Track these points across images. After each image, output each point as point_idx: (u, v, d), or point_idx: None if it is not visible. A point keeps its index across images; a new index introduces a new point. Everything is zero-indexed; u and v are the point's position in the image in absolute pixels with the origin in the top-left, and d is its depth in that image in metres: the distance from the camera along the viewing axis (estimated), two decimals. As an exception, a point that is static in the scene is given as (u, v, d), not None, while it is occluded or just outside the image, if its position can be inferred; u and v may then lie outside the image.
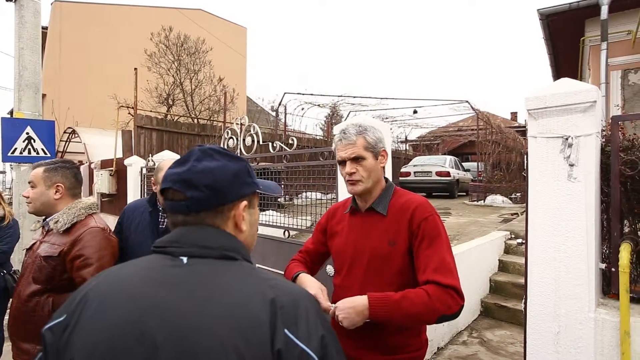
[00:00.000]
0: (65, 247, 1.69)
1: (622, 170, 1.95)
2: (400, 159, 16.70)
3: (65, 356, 0.68)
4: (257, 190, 0.88)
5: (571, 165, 1.94)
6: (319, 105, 14.98)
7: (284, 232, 3.39)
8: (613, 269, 1.92)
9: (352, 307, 1.28)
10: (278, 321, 0.66)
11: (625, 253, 1.83)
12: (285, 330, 0.65)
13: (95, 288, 0.73)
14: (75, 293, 0.76)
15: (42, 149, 4.43)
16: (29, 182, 1.81)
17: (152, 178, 2.27)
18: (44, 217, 1.84)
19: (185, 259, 0.74)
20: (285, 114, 14.05)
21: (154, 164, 5.60)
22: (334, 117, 16.46)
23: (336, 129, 3.02)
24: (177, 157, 5.89)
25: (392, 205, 1.48)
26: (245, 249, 0.81)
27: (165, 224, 2.10)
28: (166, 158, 2.24)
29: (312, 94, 14.12)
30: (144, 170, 6.20)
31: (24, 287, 1.71)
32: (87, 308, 0.70)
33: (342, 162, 1.49)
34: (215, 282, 0.70)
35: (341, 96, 14.68)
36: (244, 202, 0.83)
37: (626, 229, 2.08)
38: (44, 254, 1.70)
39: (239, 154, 4.01)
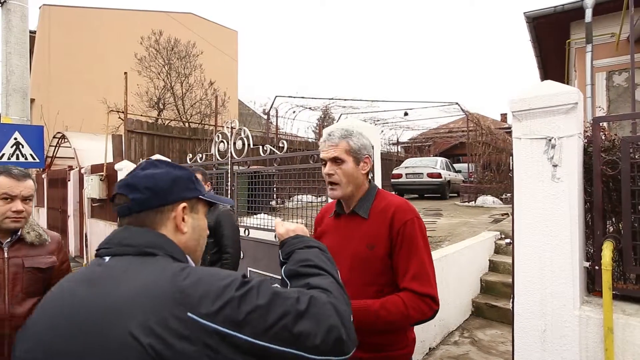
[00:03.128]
0: (53, 256, 1.77)
1: (604, 170, 2.00)
2: (391, 160, 16.79)
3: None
4: (201, 197, 0.92)
5: (555, 165, 1.98)
6: (310, 108, 15.03)
7: (276, 236, 3.40)
8: (597, 267, 1.97)
9: None
10: (178, 306, 0.67)
11: (607, 251, 1.87)
12: (189, 314, 0.67)
13: (51, 292, 0.80)
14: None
15: (31, 155, 4.38)
16: (28, 197, 1.68)
17: None
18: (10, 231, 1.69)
19: (107, 259, 0.79)
20: (277, 117, 14.07)
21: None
22: (325, 120, 16.49)
23: (325, 132, 3.04)
24: (168, 160, 5.88)
25: (373, 209, 1.50)
26: (171, 246, 0.83)
27: None
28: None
29: (303, 97, 14.18)
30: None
31: (15, 307, 1.62)
32: (38, 311, 0.77)
33: (324, 163, 1.52)
34: (124, 275, 0.73)
35: (332, 99, 14.74)
36: (184, 204, 0.87)
37: (611, 228, 2.14)
38: (36, 265, 1.69)
39: (230, 158, 4.02)
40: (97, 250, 0.83)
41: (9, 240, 1.67)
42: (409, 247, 1.40)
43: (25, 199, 1.67)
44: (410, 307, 1.34)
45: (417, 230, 1.44)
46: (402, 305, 1.34)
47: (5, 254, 1.65)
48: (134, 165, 6.61)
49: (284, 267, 0.99)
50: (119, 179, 6.58)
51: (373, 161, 1.57)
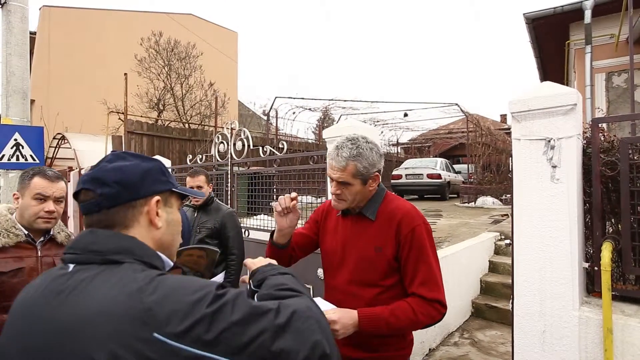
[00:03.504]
0: None
1: (603, 171, 2.00)
2: (391, 161, 16.79)
3: None
4: (174, 190, 0.88)
5: (554, 166, 1.99)
6: (310, 109, 15.03)
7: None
8: (596, 268, 1.97)
9: (344, 323, 1.33)
10: (142, 327, 0.61)
11: (606, 252, 1.87)
12: (155, 334, 0.61)
13: (17, 299, 0.78)
14: None
15: (31, 156, 4.39)
16: (60, 198, 1.70)
17: None
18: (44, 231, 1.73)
19: (71, 267, 0.73)
20: (277, 118, 14.08)
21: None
22: (325, 121, 16.50)
23: (327, 132, 3.04)
24: (168, 161, 5.90)
25: (381, 211, 1.50)
26: (141, 248, 0.78)
27: None
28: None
29: (303, 98, 14.18)
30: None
31: None
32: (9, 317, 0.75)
33: (331, 178, 1.49)
34: (88, 289, 0.68)
35: (332, 100, 14.74)
36: (157, 198, 0.82)
37: (610, 229, 2.14)
38: None
39: (229, 159, 4.03)
40: (64, 253, 0.78)
41: (42, 239, 1.71)
42: (418, 253, 1.42)
43: (58, 200, 1.69)
44: (419, 312, 1.37)
45: (425, 236, 1.45)
46: (411, 312, 1.37)
47: (39, 252, 1.69)
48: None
49: (255, 294, 0.92)
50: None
51: (382, 174, 1.54)
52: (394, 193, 1.64)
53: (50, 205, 1.66)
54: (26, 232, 1.66)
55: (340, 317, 1.35)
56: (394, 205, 1.51)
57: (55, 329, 0.65)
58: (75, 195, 0.81)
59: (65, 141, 10.94)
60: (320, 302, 1.37)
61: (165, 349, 0.61)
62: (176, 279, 0.70)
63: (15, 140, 4.27)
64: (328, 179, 3.05)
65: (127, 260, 0.74)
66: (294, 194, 1.51)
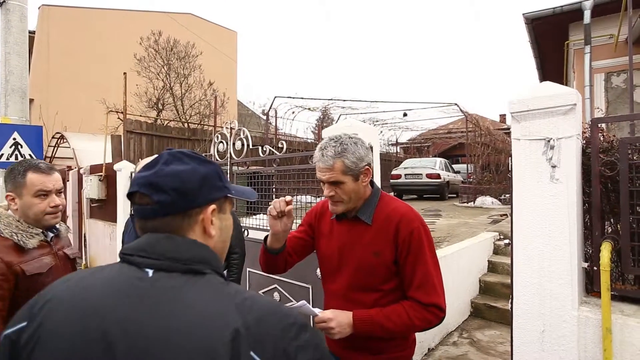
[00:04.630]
0: (72, 245, 1.84)
1: (602, 171, 2.00)
2: (391, 161, 16.80)
3: None
4: (229, 195, 0.85)
5: (553, 166, 1.99)
6: (309, 108, 15.03)
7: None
8: (595, 268, 1.97)
9: (340, 321, 1.35)
10: (243, 344, 0.63)
11: (605, 252, 1.88)
12: (251, 353, 0.62)
13: (58, 296, 0.72)
14: (35, 299, 0.75)
15: (30, 155, 4.38)
16: (60, 189, 1.65)
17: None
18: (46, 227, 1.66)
19: (150, 272, 0.71)
20: (276, 117, 14.07)
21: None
22: (324, 121, 16.50)
23: (327, 132, 3.04)
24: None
25: (377, 214, 1.47)
26: (216, 259, 0.78)
27: None
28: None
29: (302, 98, 14.17)
30: (134, 175, 6.12)
31: None
32: (49, 317, 0.69)
33: (321, 181, 1.46)
34: (179, 298, 0.67)
35: (331, 99, 14.73)
36: (213, 206, 0.80)
37: (610, 229, 2.14)
38: (73, 255, 1.77)
39: (229, 158, 4.02)
40: (128, 254, 0.74)
41: (51, 235, 1.67)
42: (415, 256, 1.40)
43: (59, 192, 1.63)
44: (415, 317, 1.36)
45: (424, 238, 1.42)
46: (406, 317, 1.36)
47: (53, 248, 1.65)
48: (133, 166, 6.53)
49: None
50: (118, 179, 6.59)
51: (373, 168, 1.50)
52: (391, 194, 1.63)
53: (54, 200, 1.60)
54: (41, 230, 1.60)
55: (336, 315, 1.36)
56: (391, 207, 1.48)
57: (148, 335, 0.63)
58: (129, 197, 0.79)
59: (64, 140, 10.93)
60: (309, 307, 1.37)
61: None
62: (264, 299, 0.73)
63: (14, 139, 4.26)
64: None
65: (207, 271, 0.73)
66: (289, 198, 1.47)
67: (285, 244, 1.58)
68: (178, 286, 0.69)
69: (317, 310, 1.40)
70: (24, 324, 0.71)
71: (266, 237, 1.58)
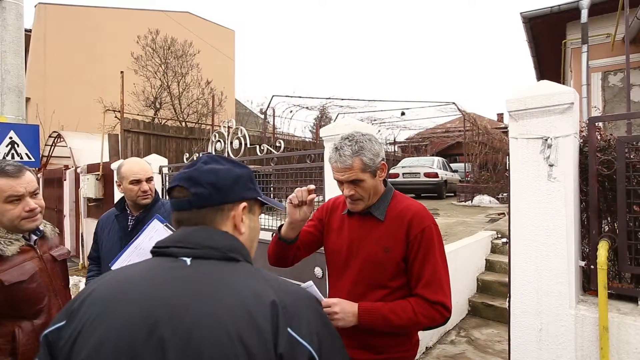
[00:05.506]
0: (63, 246, 1.77)
1: (600, 169, 2.01)
2: (388, 160, 16.80)
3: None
4: (259, 198, 0.91)
5: (551, 165, 1.99)
6: (307, 107, 15.02)
7: (272, 235, 3.40)
8: (592, 266, 1.98)
9: (343, 308, 1.35)
10: (281, 320, 0.69)
11: (602, 250, 1.88)
12: (289, 329, 0.68)
13: (96, 292, 0.75)
14: (72, 299, 0.77)
15: (27, 154, 4.36)
16: (34, 191, 1.55)
17: (116, 180, 2.28)
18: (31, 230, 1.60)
19: (188, 260, 0.76)
20: (274, 116, 14.06)
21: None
22: (322, 120, 16.49)
23: (325, 131, 3.04)
24: (165, 160, 5.86)
25: (389, 211, 1.47)
26: (246, 251, 0.84)
27: (132, 225, 2.13)
28: (132, 161, 2.24)
29: (300, 97, 14.16)
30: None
31: (63, 301, 1.62)
32: (89, 312, 0.71)
33: (340, 181, 1.45)
34: (220, 281, 0.73)
35: (329, 98, 14.74)
36: (244, 204, 0.86)
37: (607, 228, 2.15)
38: (62, 257, 1.71)
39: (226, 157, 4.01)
40: (162, 247, 0.79)
41: (35, 238, 1.61)
42: (425, 254, 1.40)
43: (33, 194, 1.54)
44: (420, 313, 1.35)
45: (435, 237, 1.43)
46: (411, 312, 1.35)
47: (38, 251, 1.59)
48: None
49: None
50: (115, 178, 6.57)
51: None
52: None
53: (29, 203, 1.49)
54: (21, 235, 1.53)
55: (341, 302, 1.36)
56: (404, 205, 1.48)
57: (194, 316, 0.67)
58: (169, 191, 0.86)
59: (61, 139, 10.88)
60: (316, 290, 1.35)
61: (293, 344, 0.68)
62: (293, 284, 0.81)
63: (11, 138, 4.24)
64: (325, 175, 3.06)
65: (239, 258, 0.80)
66: (311, 186, 1.48)
67: (298, 236, 1.59)
68: (217, 270, 0.75)
69: (322, 296, 1.39)
70: (62, 322, 0.73)
71: (280, 226, 1.59)
